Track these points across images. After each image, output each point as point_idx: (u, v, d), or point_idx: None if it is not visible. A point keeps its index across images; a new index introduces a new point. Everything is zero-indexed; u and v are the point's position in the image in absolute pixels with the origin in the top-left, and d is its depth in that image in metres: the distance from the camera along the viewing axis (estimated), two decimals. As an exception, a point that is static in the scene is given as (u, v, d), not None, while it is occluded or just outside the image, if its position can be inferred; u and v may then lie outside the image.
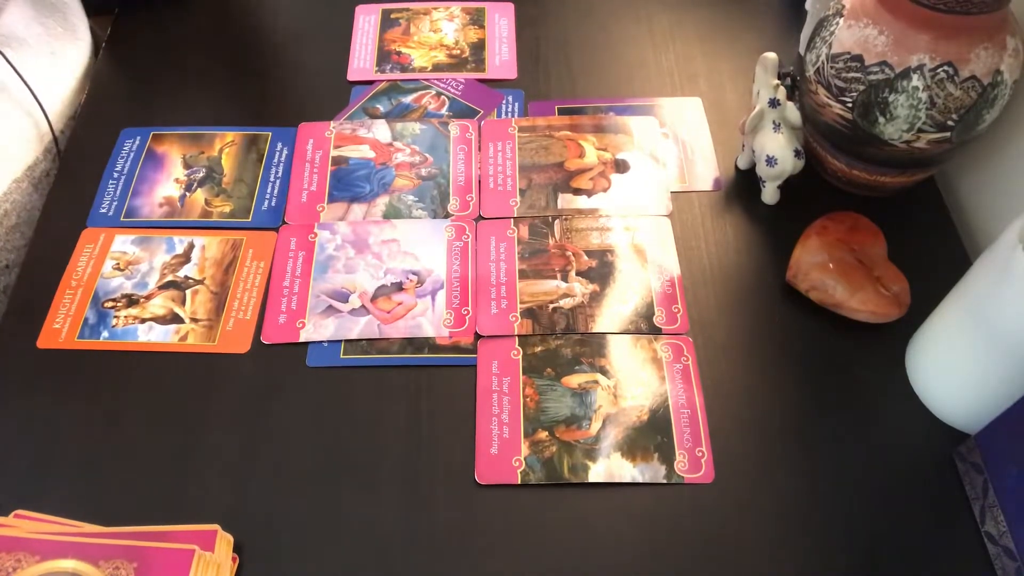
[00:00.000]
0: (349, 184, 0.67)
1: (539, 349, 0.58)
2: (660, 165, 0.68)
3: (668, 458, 0.54)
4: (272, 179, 0.68)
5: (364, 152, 0.69)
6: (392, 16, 0.80)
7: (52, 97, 0.72)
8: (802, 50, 0.73)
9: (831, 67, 0.58)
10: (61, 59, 0.74)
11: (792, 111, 0.61)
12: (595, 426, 0.55)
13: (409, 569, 0.50)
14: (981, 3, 0.52)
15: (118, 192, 0.67)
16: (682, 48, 0.77)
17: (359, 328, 0.59)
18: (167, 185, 0.67)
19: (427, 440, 0.55)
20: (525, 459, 0.54)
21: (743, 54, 0.76)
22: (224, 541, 0.49)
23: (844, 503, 0.52)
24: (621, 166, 0.68)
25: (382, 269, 0.62)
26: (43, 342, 0.59)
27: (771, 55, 0.60)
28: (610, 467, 0.53)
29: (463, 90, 0.74)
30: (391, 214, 0.65)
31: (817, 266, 0.58)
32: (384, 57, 0.76)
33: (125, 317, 0.60)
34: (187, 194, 0.67)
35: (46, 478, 0.53)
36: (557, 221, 0.65)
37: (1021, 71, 0.56)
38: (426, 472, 0.53)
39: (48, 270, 0.62)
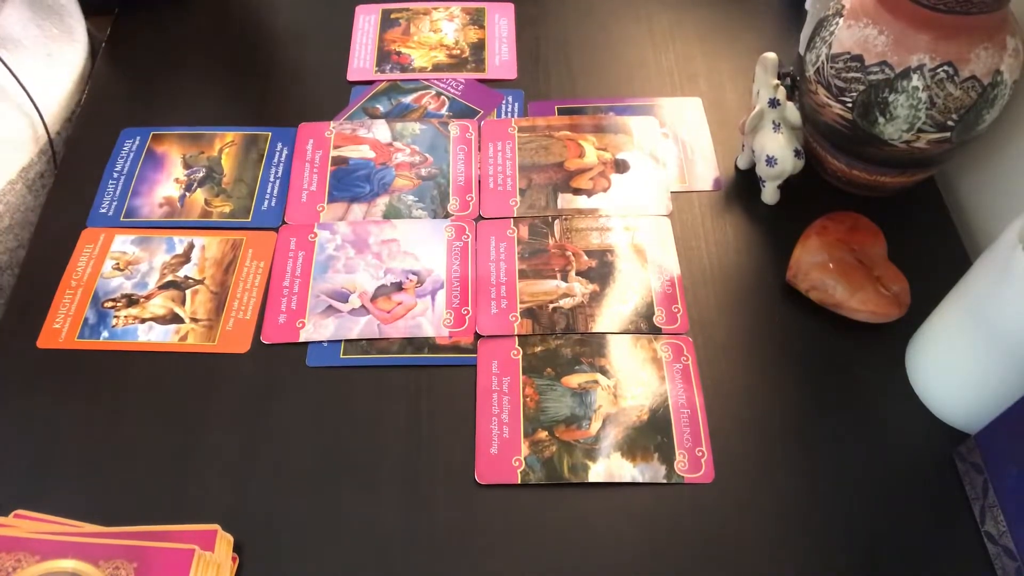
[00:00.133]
0: (349, 184, 0.67)
1: (539, 349, 0.58)
2: (660, 165, 0.68)
3: (668, 458, 0.54)
4: (272, 179, 0.68)
5: (364, 152, 0.69)
6: (392, 16, 0.80)
7: (48, 99, 0.72)
8: (802, 50, 0.73)
9: (831, 67, 0.58)
10: (57, 61, 0.74)
11: (792, 111, 0.61)
12: (595, 426, 0.55)
13: (409, 569, 0.50)
14: (981, 3, 0.52)
15: (118, 192, 0.67)
16: (682, 48, 0.77)
17: (359, 328, 0.59)
18: (167, 185, 0.67)
19: (427, 440, 0.55)
20: (525, 459, 0.54)
21: (743, 54, 0.76)
22: (224, 541, 0.49)
23: (844, 503, 0.52)
24: (621, 166, 0.68)
25: (382, 269, 0.62)
26: (43, 342, 0.59)
27: (771, 55, 0.60)
28: (610, 467, 0.53)
29: (463, 90, 0.74)
30: (391, 214, 0.65)
31: (817, 266, 0.58)
32: (384, 57, 0.76)
33: (125, 317, 0.60)
34: (187, 194, 0.67)
35: (46, 478, 0.53)
36: (557, 221, 0.65)
37: (1021, 71, 0.56)
38: (426, 472, 0.53)
39: (48, 270, 0.62)
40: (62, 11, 0.76)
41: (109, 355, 0.58)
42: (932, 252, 0.63)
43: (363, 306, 0.60)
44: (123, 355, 0.58)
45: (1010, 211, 0.63)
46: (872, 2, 0.56)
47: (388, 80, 0.75)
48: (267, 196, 0.67)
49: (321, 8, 0.81)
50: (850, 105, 0.58)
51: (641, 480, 0.53)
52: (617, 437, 0.55)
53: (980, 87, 0.54)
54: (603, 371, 0.57)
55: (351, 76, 0.75)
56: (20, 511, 0.50)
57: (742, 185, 0.67)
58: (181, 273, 0.62)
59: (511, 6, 0.81)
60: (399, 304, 0.60)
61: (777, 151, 0.62)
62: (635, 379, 0.57)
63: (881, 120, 0.57)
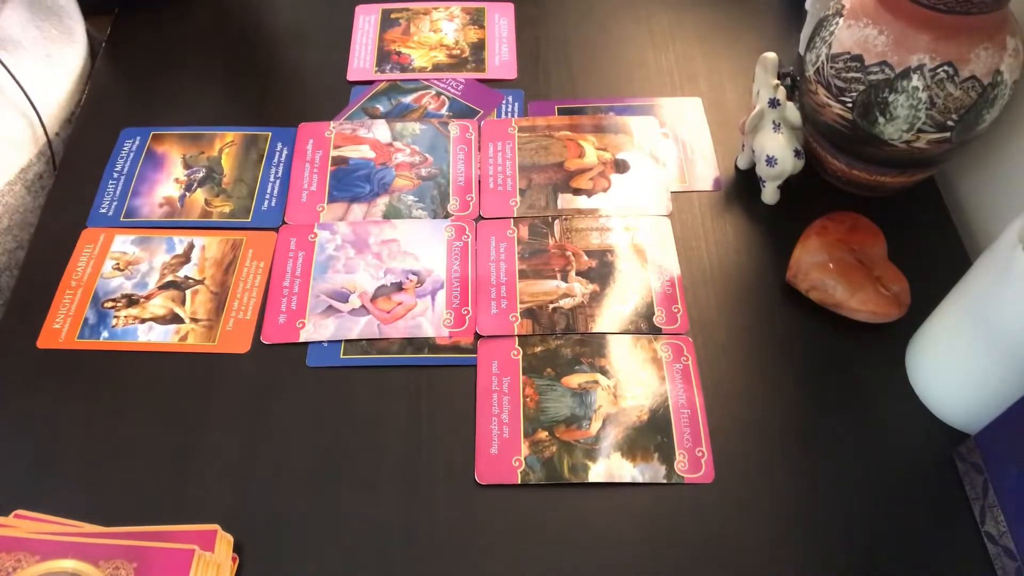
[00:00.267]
0: (349, 184, 0.67)
1: (539, 349, 0.58)
2: (660, 165, 0.68)
3: (668, 458, 0.54)
4: (272, 179, 0.68)
5: (364, 152, 0.69)
6: (392, 16, 0.80)
7: (47, 100, 0.72)
8: (802, 50, 0.73)
9: (831, 67, 0.58)
10: (57, 62, 0.74)
11: (792, 111, 0.61)
12: (595, 426, 0.55)
13: (409, 569, 0.50)
14: (981, 3, 0.52)
15: (118, 192, 0.67)
16: (682, 48, 0.77)
17: (359, 328, 0.59)
18: (167, 185, 0.67)
19: (427, 440, 0.55)
20: (525, 459, 0.54)
21: (743, 54, 0.76)
22: (224, 541, 0.49)
23: (844, 503, 0.52)
24: (621, 166, 0.68)
25: (382, 269, 0.62)
26: (43, 342, 0.59)
27: (771, 55, 0.60)
28: (610, 467, 0.53)
29: (463, 90, 0.74)
30: (391, 214, 0.65)
31: (817, 266, 0.58)
32: (384, 57, 0.76)
33: (125, 317, 0.60)
34: (187, 194, 0.67)
35: (46, 478, 0.53)
36: (557, 221, 0.65)
37: (1021, 71, 0.56)
38: (426, 472, 0.53)
39: (48, 270, 0.62)
40: (61, 12, 0.76)
41: (109, 355, 0.58)
42: (932, 252, 0.63)
43: (363, 306, 0.60)
44: (123, 355, 0.58)
45: (1010, 211, 0.63)
46: (872, 2, 0.56)
47: (388, 80, 0.75)
48: (267, 196, 0.67)
49: (321, 8, 0.81)
50: (850, 105, 0.58)
51: (641, 480, 0.53)
52: (617, 437, 0.55)
53: (980, 87, 0.54)
54: (603, 371, 0.57)
55: (351, 76, 0.75)
56: (20, 511, 0.50)
57: (742, 185, 0.67)
58: (181, 273, 0.62)
59: (511, 6, 0.81)
60: (399, 304, 0.60)
61: (777, 151, 0.62)
62: (635, 379, 0.57)
63: (881, 120, 0.57)
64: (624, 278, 0.62)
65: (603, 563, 0.50)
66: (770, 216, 0.66)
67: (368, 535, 0.51)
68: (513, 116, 0.72)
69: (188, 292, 0.61)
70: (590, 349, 0.58)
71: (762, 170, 0.64)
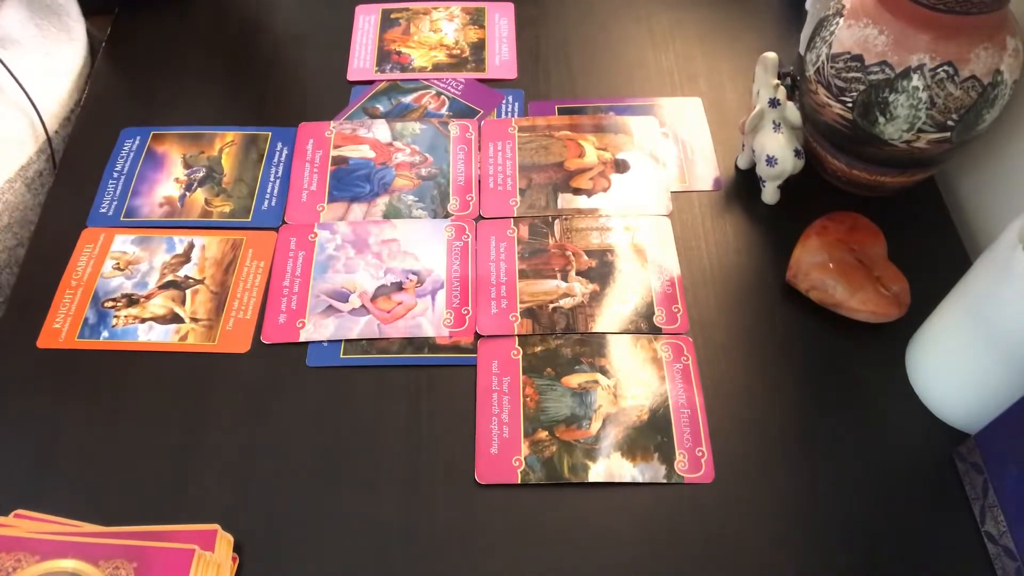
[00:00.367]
0: (349, 184, 0.67)
1: (539, 349, 0.58)
2: (660, 165, 0.68)
3: (668, 458, 0.54)
4: (272, 179, 0.68)
5: (364, 152, 0.69)
6: (392, 16, 0.80)
7: (47, 98, 0.72)
8: (802, 50, 0.73)
9: (831, 67, 0.58)
10: (56, 60, 0.74)
11: (792, 111, 0.61)
12: (595, 426, 0.55)
13: (409, 569, 0.50)
14: (981, 3, 0.52)
15: (118, 192, 0.67)
16: (682, 48, 0.77)
17: (359, 328, 0.59)
18: (167, 185, 0.67)
19: (427, 440, 0.55)
20: (525, 459, 0.54)
21: (743, 54, 0.76)
22: (224, 541, 0.49)
23: (844, 503, 0.52)
24: (621, 166, 0.68)
25: (382, 269, 0.62)
26: (43, 342, 0.59)
27: (771, 55, 0.60)
28: (610, 467, 0.53)
29: (463, 90, 0.74)
30: (391, 214, 0.65)
31: (817, 266, 0.58)
32: (384, 57, 0.76)
33: (125, 317, 0.60)
34: (187, 194, 0.67)
35: (46, 478, 0.53)
36: (557, 221, 0.65)
37: (1021, 71, 0.56)
38: (426, 472, 0.53)
39: (48, 270, 0.62)
40: (61, 11, 0.76)
41: (109, 355, 0.58)
42: (932, 252, 0.63)
43: (363, 306, 0.60)
44: (123, 355, 0.58)
45: (1010, 211, 0.63)
46: (872, 2, 0.56)
47: (388, 80, 0.75)
48: (267, 196, 0.67)
49: (321, 8, 0.81)
50: (850, 105, 0.58)
51: (641, 480, 0.53)
52: (617, 437, 0.55)
53: (980, 87, 0.54)
54: (603, 371, 0.57)
55: (351, 76, 0.75)
56: (20, 511, 0.50)
57: (742, 185, 0.67)
58: (181, 273, 0.62)
59: (511, 6, 0.81)
60: (399, 304, 0.60)
61: (777, 151, 0.62)
62: (635, 379, 0.57)
63: (881, 120, 0.57)
64: (624, 278, 0.62)
65: (603, 563, 0.50)
66: (770, 216, 0.66)
67: (368, 535, 0.51)
68: (513, 116, 0.72)
69: (188, 292, 0.61)
70: (590, 349, 0.58)
71: (762, 170, 0.64)
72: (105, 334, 0.59)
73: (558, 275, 0.62)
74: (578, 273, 0.62)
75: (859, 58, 0.56)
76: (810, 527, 0.51)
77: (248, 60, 0.77)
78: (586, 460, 0.54)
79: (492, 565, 0.50)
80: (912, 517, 0.52)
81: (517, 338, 0.59)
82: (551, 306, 0.60)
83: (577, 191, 0.67)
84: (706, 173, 0.68)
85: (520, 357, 0.58)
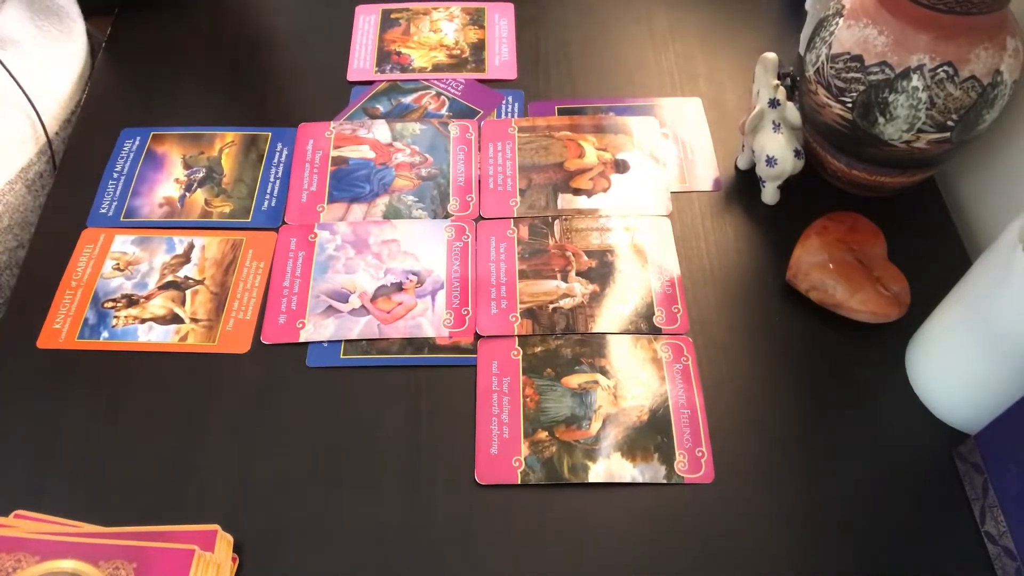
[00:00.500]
0: (349, 184, 0.67)
1: (539, 349, 0.58)
2: (660, 165, 0.68)
3: (668, 458, 0.54)
4: (272, 179, 0.68)
5: (364, 152, 0.69)
6: (392, 16, 0.80)
7: (47, 99, 0.72)
8: (802, 50, 0.73)
9: (831, 67, 0.58)
10: (57, 61, 0.74)
11: (792, 111, 0.61)
12: (595, 426, 0.55)
13: (409, 569, 0.50)
14: (981, 3, 0.52)
15: (118, 192, 0.67)
16: (682, 48, 0.77)
17: (359, 328, 0.59)
18: (167, 185, 0.67)
19: (427, 440, 0.55)
20: (525, 459, 0.54)
21: (743, 54, 0.76)
22: (224, 541, 0.49)
23: (844, 503, 0.52)
24: (621, 166, 0.68)
25: (382, 269, 0.62)
26: (43, 342, 0.59)
27: (771, 55, 0.61)
28: (610, 467, 0.53)
29: (463, 90, 0.74)
30: (391, 214, 0.65)
31: (817, 266, 0.58)
32: (384, 57, 0.76)
33: (125, 317, 0.60)
34: (187, 194, 0.67)
35: (46, 478, 0.53)
36: (557, 221, 0.65)
37: (1021, 71, 0.56)
38: (426, 472, 0.53)
39: (48, 270, 0.62)
40: (61, 11, 0.76)
41: (109, 355, 0.58)
42: (932, 252, 0.63)
43: (363, 306, 0.60)
44: (123, 355, 0.58)
45: (1010, 211, 0.63)
46: (872, 2, 0.56)
47: (388, 80, 0.75)
48: (267, 196, 0.67)
49: (321, 8, 0.81)
50: (850, 105, 0.58)
51: (641, 480, 0.53)
52: (617, 437, 0.55)
53: (980, 87, 0.54)
54: (603, 371, 0.57)
55: (351, 76, 0.75)
56: (20, 511, 0.50)
57: (742, 185, 0.67)
58: (181, 273, 0.62)
59: (511, 6, 0.81)
60: (399, 304, 0.60)
61: (777, 151, 0.62)
62: (635, 379, 0.57)
63: (881, 120, 0.57)
64: (624, 278, 0.62)
65: (603, 563, 0.50)
66: (770, 216, 0.66)
67: (368, 535, 0.51)
68: (513, 116, 0.72)
69: (188, 292, 0.61)
70: (590, 349, 0.58)
71: (762, 170, 0.64)
72: (105, 334, 0.59)
73: (558, 275, 0.62)
74: (578, 273, 0.62)
75: (859, 58, 0.56)
76: (810, 527, 0.51)
77: (248, 60, 0.77)
78: (586, 460, 0.54)
79: (492, 565, 0.50)
80: (912, 517, 0.52)
81: (517, 338, 0.59)
82: (551, 306, 0.60)
83: (577, 191, 0.67)
84: (706, 173, 0.68)
85: (520, 357, 0.58)
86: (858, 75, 0.56)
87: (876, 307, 0.57)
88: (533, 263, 0.63)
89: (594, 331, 0.59)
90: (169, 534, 0.48)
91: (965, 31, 0.53)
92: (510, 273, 0.62)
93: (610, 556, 0.50)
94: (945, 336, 0.53)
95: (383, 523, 0.51)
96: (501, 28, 0.79)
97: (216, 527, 0.49)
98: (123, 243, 0.64)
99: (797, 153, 0.62)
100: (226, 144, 0.70)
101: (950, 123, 0.56)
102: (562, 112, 0.72)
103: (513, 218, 0.65)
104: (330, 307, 0.60)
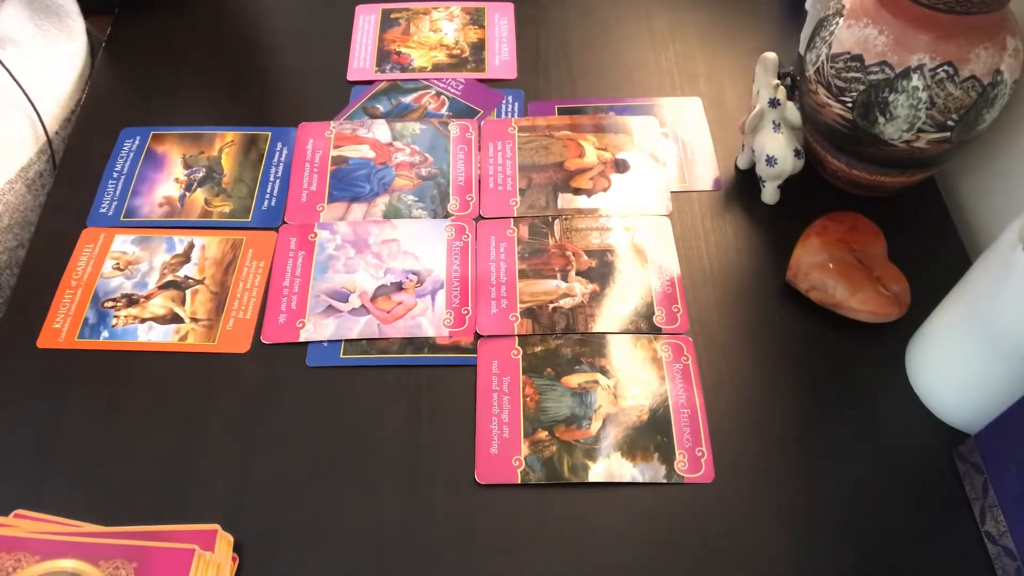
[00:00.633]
0: (349, 184, 0.67)
1: (539, 349, 0.58)
2: (660, 165, 0.68)
3: (668, 458, 0.54)
4: (272, 179, 0.68)
5: (364, 152, 0.69)
6: (392, 16, 0.80)
7: (47, 99, 0.72)
8: (802, 50, 0.73)
9: (831, 67, 0.58)
10: (57, 61, 0.74)
11: (792, 111, 0.61)
12: (595, 426, 0.55)
13: (409, 569, 0.50)
14: (981, 3, 0.52)
15: (118, 192, 0.67)
16: (682, 48, 0.77)
17: (359, 328, 0.59)
18: (167, 185, 0.67)
19: (427, 440, 0.55)
20: (525, 459, 0.54)
21: (743, 54, 0.76)
22: (224, 541, 0.49)
23: (844, 503, 0.52)
24: (621, 166, 0.68)
25: (382, 269, 0.62)
26: (43, 342, 0.59)
27: (771, 55, 0.60)
28: (610, 467, 0.53)
29: (463, 90, 0.74)
30: (391, 214, 0.65)
31: (817, 266, 0.58)
32: (384, 57, 0.76)
33: (125, 317, 0.60)
34: (187, 194, 0.67)
35: (46, 478, 0.53)
36: (557, 221, 0.65)
37: (1021, 71, 0.56)
38: (426, 472, 0.53)
39: (48, 270, 0.62)
40: (61, 11, 0.76)
41: (109, 355, 0.58)
42: (932, 252, 0.63)
43: (363, 306, 0.60)
44: (123, 355, 0.58)
45: (1010, 211, 0.63)
46: (872, 2, 0.56)
47: (388, 80, 0.75)
48: (267, 196, 0.67)
49: (321, 8, 0.81)
50: (850, 105, 0.58)
51: (641, 480, 0.53)
52: (617, 437, 0.55)
53: (980, 87, 0.54)
54: (603, 371, 0.57)
55: (351, 76, 0.75)
56: (20, 511, 0.50)
57: (742, 185, 0.67)
58: (181, 273, 0.62)
59: (511, 6, 0.81)
60: (399, 304, 0.60)
61: (777, 151, 0.62)
62: (635, 379, 0.57)
63: (881, 120, 0.57)
64: (624, 278, 0.62)
65: (603, 563, 0.50)
66: (770, 216, 0.66)
67: (368, 535, 0.51)
68: (513, 116, 0.72)
69: (188, 292, 0.61)
70: (590, 349, 0.58)
71: (762, 170, 0.64)
72: (105, 334, 0.59)
73: (558, 275, 0.62)
74: (578, 273, 0.62)
75: (859, 58, 0.56)
76: (810, 527, 0.51)
77: (248, 60, 0.77)
78: (586, 460, 0.54)
79: (492, 565, 0.50)
80: (912, 517, 0.52)
81: (517, 338, 0.59)
82: (551, 306, 0.60)
83: (577, 191, 0.67)
84: (706, 173, 0.68)
85: (520, 357, 0.58)
86: (858, 75, 0.56)
87: (876, 307, 0.57)
88: (533, 263, 0.63)
89: (594, 331, 0.59)
90: (169, 534, 0.48)
91: (965, 31, 0.53)
92: (510, 273, 0.62)
93: (610, 556, 0.50)
94: (945, 336, 0.53)
95: (383, 523, 0.51)
96: (501, 28, 0.79)
97: (216, 527, 0.49)
98: (123, 243, 0.64)
99: (797, 153, 0.62)
100: (226, 144, 0.70)
101: (950, 123, 0.56)
102: (562, 112, 0.72)
103: (513, 218, 0.65)
104: (330, 307, 0.60)
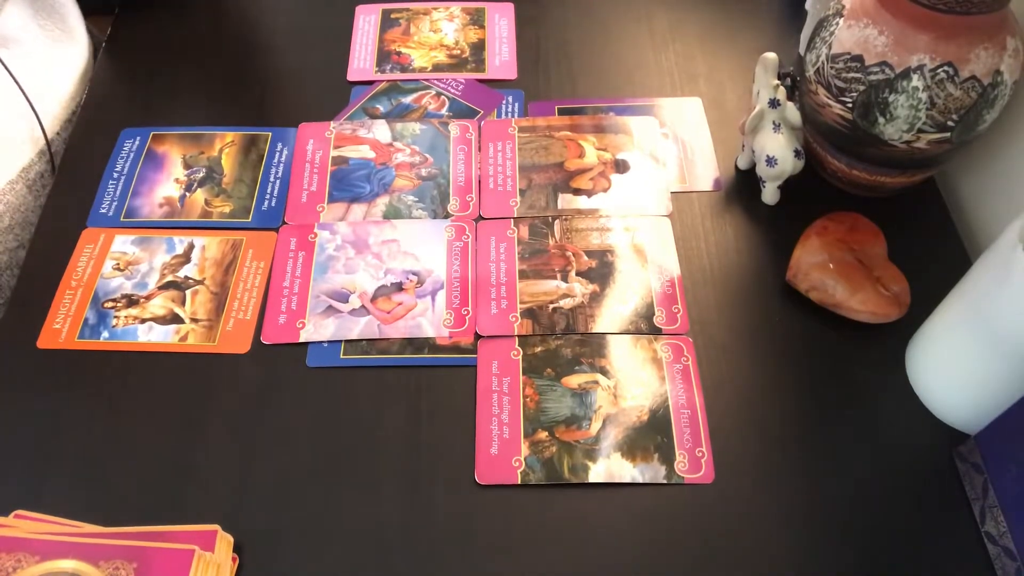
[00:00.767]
0: (349, 184, 0.67)
1: (539, 349, 0.58)
2: (660, 165, 0.68)
3: (668, 458, 0.54)
4: (272, 179, 0.68)
5: (364, 152, 0.69)
6: (392, 16, 0.80)
7: (48, 99, 0.72)
8: (802, 50, 0.73)
9: (831, 67, 0.58)
10: (58, 61, 0.74)
11: (792, 111, 0.61)
12: (595, 426, 0.55)
13: (409, 569, 0.50)
14: (981, 3, 0.52)
15: (118, 192, 0.67)
16: (682, 48, 0.77)
17: (359, 328, 0.59)
18: (167, 185, 0.67)
19: (427, 440, 0.55)
20: (525, 459, 0.54)
21: (743, 54, 0.76)
22: (224, 541, 0.49)
23: (844, 503, 0.52)
24: (621, 166, 0.68)
25: (382, 269, 0.62)
26: (43, 342, 0.59)
27: (771, 55, 0.60)
28: (610, 467, 0.53)
29: (463, 90, 0.74)
30: (391, 214, 0.65)
31: (817, 266, 0.58)
32: (384, 57, 0.76)
33: (125, 317, 0.60)
34: (187, 194, 0.67)
35: (46, 478, 0.53)
36: (557, 221, 0.65)
37: (1021, 71, 0.56)
38: (426, 472, 0.53)
39: (48, 270, 0.62)
40: (62, 11, 0.76)
41: (109, 355, 0.58)
42: (932, 252, 0.63)
43: (363, 306, 0.60)
44: (123, 355, 0.58)
45: (1010, 211, 0.63)
46: (872, 2, 0.56)
47: (388, 80, 0.75)
48: (267, 196, 0.67)
49: (321, 8, 0.81)
50: (850, 105, 0.58)
51: (641, 480, 0.53)
52: (617, 437, 0.55)
53: (980, 87, 0.54)
54: (603, 371, 0.57)
55: (351, 76, 0.75)
56: (20, 511, 0.50)
57: (742, 185, 0.67)
58: (181, 273, 0.62)
59: (511, 6, 0.81)
60: (399, 304, 0.60)
61: (777, 151, 0.62)
62: (635, 379, 0.57)
63: (881, 120, 0.57)
64: (624, 278, 0.62)
65: (603, 563, 0.50)
66: (770, 216, 0.66)
67: (368, 535, 0.51)
68: (513, 116, 0.72)
69: (188, 292, 0.61)
70: (590, 349, 0.58)
71: (762, 170, 0.64)
72: (105, 334, 0.59)
73: (558, 275, 0.62)
74: (578, 273, 0.62)
75: (859, 58, 0.56)
76: (810, 527, 0.51)
77: (248, 60, 0.77)
78: (586, 460, 0.54)
79: (492, 565, 0.50)
80: (912, 517, 0.52)
81: (517, 338, 0.59)
82: (551, 306, 0.60)
83: (577, 191, 0.67)
84: (706, 173, 0.68)
85: (520, 357, 0.58)
86: (858, 75, 0.56)
87: (876, 307, 0.57)
88: (533, 263, 0.63)
89: (594, 331, 0.59)
90: (169, 534, 0.48)
91: (965, 31, 0.53)
92: (510, 273, 0.62)
93: (610, 556, 0.50)
94: (945, 336, 0.53)
95: (383, 523, 0.51)
96: (501, 28, 0.79)
97: (216, 527, 0.49)
98: (123, 243, 0.64)
99: (797, 153, 0.62)
100: (226, 144, 0.70)
101: (950, 123, 0.56)
102: (562, 112, 0.72)
103: (513, 218, 0.65)
104: (330, 307, 0.60)
